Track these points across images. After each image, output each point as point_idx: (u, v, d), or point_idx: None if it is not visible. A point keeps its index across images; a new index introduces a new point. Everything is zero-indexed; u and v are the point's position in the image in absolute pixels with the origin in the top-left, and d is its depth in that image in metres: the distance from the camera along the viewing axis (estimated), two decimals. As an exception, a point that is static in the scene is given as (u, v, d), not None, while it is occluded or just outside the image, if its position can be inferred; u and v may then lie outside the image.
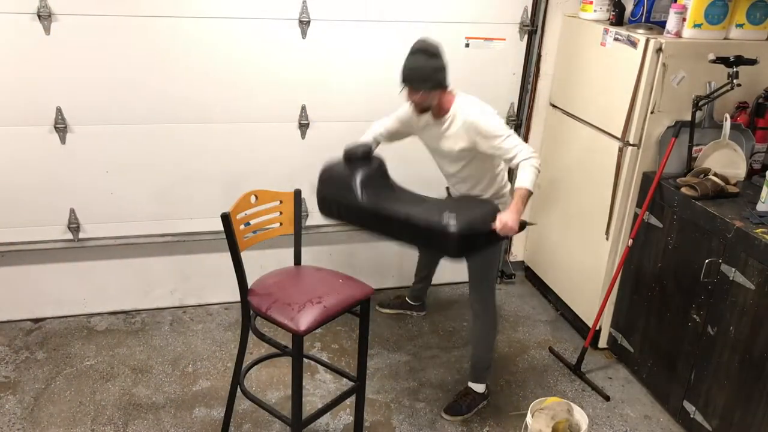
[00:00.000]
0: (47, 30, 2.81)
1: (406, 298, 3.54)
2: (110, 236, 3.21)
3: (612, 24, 3.09)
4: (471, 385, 2.89)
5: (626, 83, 2.89)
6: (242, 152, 3.23)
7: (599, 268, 3.18)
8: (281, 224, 2.52)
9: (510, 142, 2.43)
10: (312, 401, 2.86)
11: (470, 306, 2.82)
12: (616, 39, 2.98)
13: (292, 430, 2.36)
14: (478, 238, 2.37)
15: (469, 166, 2.60)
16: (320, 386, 2.98)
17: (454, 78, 3.40)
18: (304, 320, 2.19)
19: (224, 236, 2.26)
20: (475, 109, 2.48)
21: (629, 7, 3.12)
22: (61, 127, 2.96)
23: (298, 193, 2.52)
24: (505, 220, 2.34)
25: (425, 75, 2.39)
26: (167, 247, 3.34)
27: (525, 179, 2.41)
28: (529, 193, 2.43)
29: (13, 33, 2.78)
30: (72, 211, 3.13)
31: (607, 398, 3.00)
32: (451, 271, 3.85)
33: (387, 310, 3.54)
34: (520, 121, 3.59)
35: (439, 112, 2.52)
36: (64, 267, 3.26)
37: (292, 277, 2.48)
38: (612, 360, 3.28)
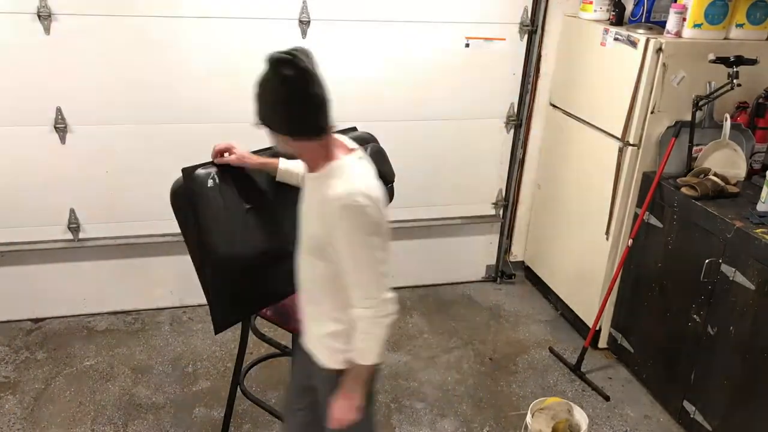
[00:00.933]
0: (47, 30, 2.81)
1: None
2: (110, 236, 3.21)
3: (612, 24, 3.08)
4: None
5: (626, 83, 2.89)
6: (242, 152, 3.22)
7: (599, 268, 3.18)
8: (281, 224, 2.52)
9: (359, 271, 1.58)
10: (312, 401, 2.86)
11: None
12: (616, 39, 2.98)
13: (292, 430, 2.36)
14: None
15: (316, 268, 1.68)
16: (320, 386, 2.98)
17: (454, 78, 3.45)
18: (304, 320, 2.19)
19: (224, 236, 2.25)
20: (355, 186, 1.55)
21: (629, 7, 3.12)
22: (61, 127, 2.96)
23: (298, 193, 2.51)
24: (335, 416, 1.69)
25: (259, 105, 1.69)
26: (167, 247, 3.34)
27: (364, 349, 1.64)
28: (372, 368, 1.65)
29: (13, 33, 2.78)
30: (72, 211, 3.13)
31: (607, 398, 3.00)
32: (451, 271, 3.85)
33: None
34: (520, 121, 3.59)
35: (311, 164, 1.65)
36: (64, 267, 3.26)
37: (292, 277, 2.47)
38: (612, 360, 3.28)
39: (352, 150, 1.67)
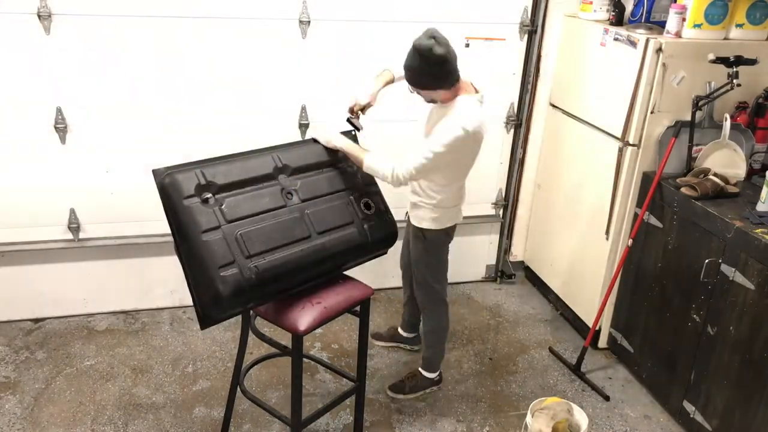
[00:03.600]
0: (47, 30, 2.81)
1: (398, 329, 3.29)
2: (110, 236, 3.21)
3: (612, 24, 3.09)
4: (421, 370, 2.97)
5: (626, 83, 2.89)
6: (242, 152, 3.22)
7: (599, 268, 3.18)
8: (281, 224, 2.52)
9: (420, 152, 2.38)
10: (312, 401, 2.86)
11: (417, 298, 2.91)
12: (616, 39, 2.98)
13: (292, 430, 2.37)
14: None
15: None
16: (320, 386, 2.98)
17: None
18: (304, 320, 2.19)
19: (224, 236, 2.25)
20: (456, 119, 2.40)
21: (629, 7, 3.12)
22: (61, 127, 2.96)
23: (298, 193, 2.51)
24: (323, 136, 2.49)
25: (417, 77, 2.42)
26: (167, 247, 3.33)
27: (373, 155, 2.42)
28: (355, 158, 2.43)
29: (13, 33, 2.78)
30: (72, 211, 3.13)
31: (607, 398, 3.00)
32: (451, 270, 3.85)
33: (380, 343, 3.29)
34: (520, 121, 3.59)
35: (444, 100, 2.53)
36: (64, 267, 3.26)
37: (292, 277, 2.47)
38: (612, 360, 3.28)
39: (475, 91, 2.51)
